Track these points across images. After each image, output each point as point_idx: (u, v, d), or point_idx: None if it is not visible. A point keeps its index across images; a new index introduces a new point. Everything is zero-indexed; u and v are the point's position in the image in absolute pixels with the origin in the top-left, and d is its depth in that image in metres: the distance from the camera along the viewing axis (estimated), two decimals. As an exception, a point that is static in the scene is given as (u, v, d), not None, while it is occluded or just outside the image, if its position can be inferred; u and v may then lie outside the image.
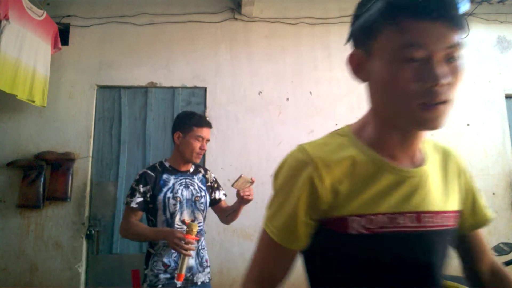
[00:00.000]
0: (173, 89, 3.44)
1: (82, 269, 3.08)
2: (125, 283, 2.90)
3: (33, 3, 2.94)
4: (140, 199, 1.75)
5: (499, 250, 2.18)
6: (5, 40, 2.59)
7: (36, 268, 3.04)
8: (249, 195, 1.79)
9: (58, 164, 3.15)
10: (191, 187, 1.85)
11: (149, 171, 1.81)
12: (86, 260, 3.12)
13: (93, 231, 3.11)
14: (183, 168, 1.89)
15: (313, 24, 3.61)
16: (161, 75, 3.42)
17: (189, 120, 1.86)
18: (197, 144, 1.83)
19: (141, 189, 1.76)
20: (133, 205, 1.74)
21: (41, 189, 3.09)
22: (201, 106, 3.42)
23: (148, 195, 1.77)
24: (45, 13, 3.07)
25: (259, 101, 3.44)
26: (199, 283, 1.78)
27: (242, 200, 1.81)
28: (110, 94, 3.41)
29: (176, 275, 1.62)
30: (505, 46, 3.76)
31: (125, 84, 3.40)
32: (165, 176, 1.82)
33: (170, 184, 1.81)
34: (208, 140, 1.89)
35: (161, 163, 1.88)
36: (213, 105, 3.41)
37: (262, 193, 3.31)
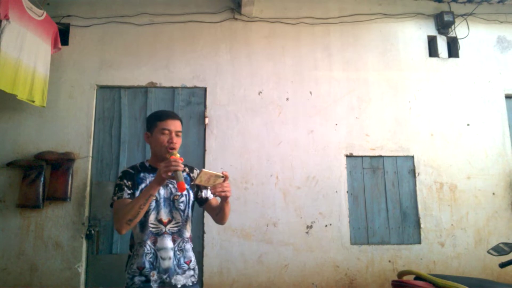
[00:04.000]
0: (173, 89, 3.44)
1: (82, 269, 3.08)
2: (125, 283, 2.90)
3: (33, 3, 2.94)
4: (130, 191, 1.75)
5: (499, 250, 2.17)
6: (5, 40, 2.59)
7: (36, 268, 3.04)
8: (221, 192, 1.65)
9: (58, 164, 3.16)
10: (170, 186, 1.81)
11: (129, 169, 1.82)
12: (86, 260, 3.13)
13: (93, 231, 3.11)
14: None
15: (313, 24, 3.61)
16: (161, 75, 3.43)
17: (152, 117, 1.85)
18: (164, 138, 1.78)
19: (128, 183, 1.76)
20: (126, 196, 1.72)
21: (41, 189, 3.10)
22: (201, 106, 3.42)
23: (132, 190, 1.76)
24: (45, 13, 3.07)
25: (259, 101, 3.44)
26: (179, 286, 1.72)
27: (220, 197, 1.73)
28: (110, 94, 3.41)
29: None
30: (505, 46, 3.76)
31: (125, 84, 3.40)
32: (142, 174, 1.81)
33: (147, 182, 1.79)
34: (178, 132, 1.82)
35: (141, 163, 1.88)
36: (213, 105, 3.41)
37: (262, 193, 3.33)
